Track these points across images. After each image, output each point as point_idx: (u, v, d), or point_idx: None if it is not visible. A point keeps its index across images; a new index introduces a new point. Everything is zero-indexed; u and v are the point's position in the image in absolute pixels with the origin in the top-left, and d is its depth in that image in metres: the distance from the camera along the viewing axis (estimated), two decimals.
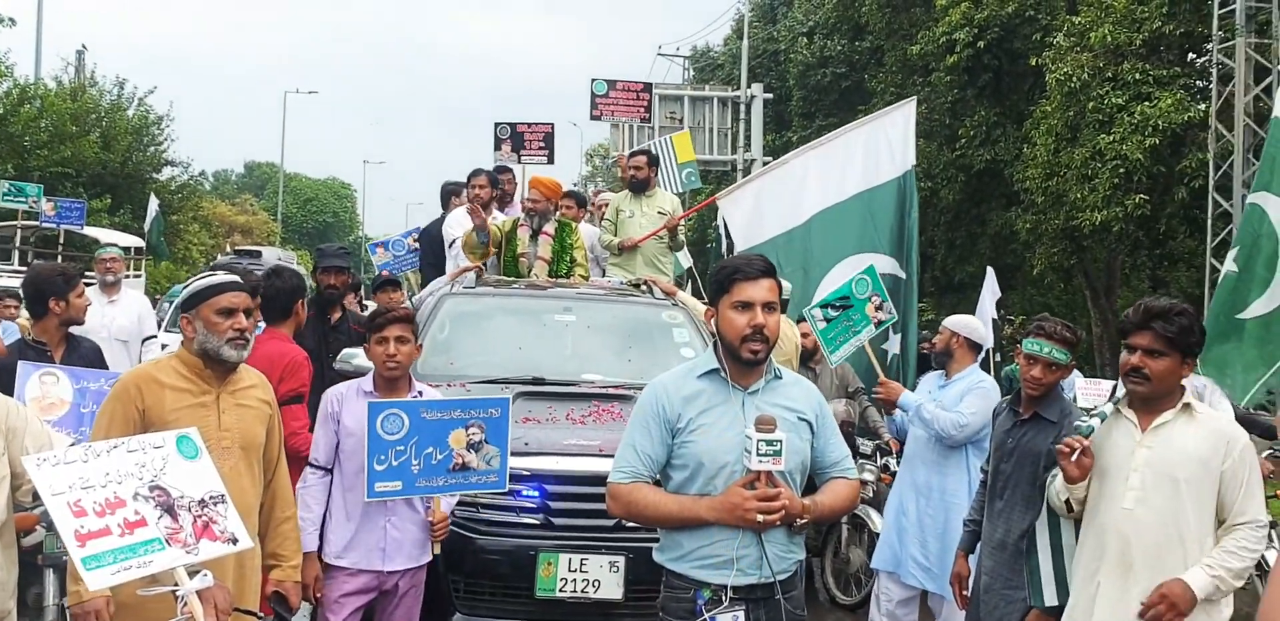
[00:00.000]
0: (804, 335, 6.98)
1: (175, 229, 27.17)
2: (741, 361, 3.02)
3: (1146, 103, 14.94)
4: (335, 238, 68.05)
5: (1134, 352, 3.38)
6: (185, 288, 3.53)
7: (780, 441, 2.86)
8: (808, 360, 7.15)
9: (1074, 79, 15.85)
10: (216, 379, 3.44)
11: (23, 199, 15.21)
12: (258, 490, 3.57)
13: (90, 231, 17.76)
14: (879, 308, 5.87)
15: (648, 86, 10.22)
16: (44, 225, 15.99)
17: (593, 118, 10.14)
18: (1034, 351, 4.13)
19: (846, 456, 3.21)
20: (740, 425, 2.97)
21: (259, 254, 28.04)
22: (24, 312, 8.05)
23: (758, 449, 2.85)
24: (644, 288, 7.08)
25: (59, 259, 16.76)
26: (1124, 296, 22.05)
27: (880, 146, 7.85)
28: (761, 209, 8.19)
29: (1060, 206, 17.35)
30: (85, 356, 5.11)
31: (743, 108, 23.98)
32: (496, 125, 8.70)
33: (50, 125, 23.83)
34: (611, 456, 4.56)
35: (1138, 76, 15.32)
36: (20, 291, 6.90)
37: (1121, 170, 15.03)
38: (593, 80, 9.99)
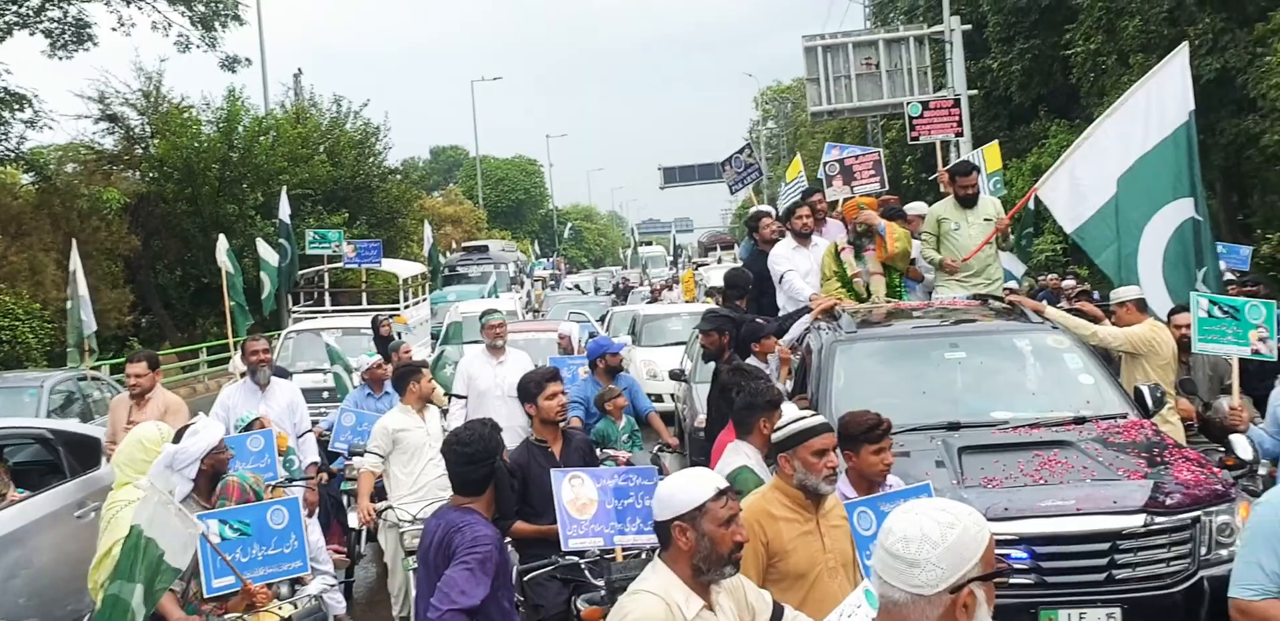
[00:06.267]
0: (1184, 326, 7.08)
1: (405, 233, 28.68)
2: None
3: None
4: (528, 213, 70.78)
5: None
6: (780, 430, 4.00)
7: None
8: (1183, 353, 7.19)
9: None
10: (815, 508, 3.93)
11: (326, 244, 16.62)
12: None
13: (386, 264, 19.01)
14: (1262, 340, 5.95)
15: (956, 102, 10.37)
16: (347, 266, 17.38)
17: (911, 140, 10.32)
18: None
19: None
20: None
21: (485, 248, 29.41)
22: (365, 358, 8.87)
23: None
24: (993, 302, 7.32)
25: (364, 295, 18.13)
26: None
27: (1166, 98, 7.97)
28: (1078, 187, 8.30)
29: None
30: (579, 448, 5.73)
31: (947, 45, 23.34)
32: (825, 163, 9.04)
33: (285, 151, 25.49)
34: (1088, 514, 4.98)
35: None
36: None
37: None
38: (907, 103, 10.26)
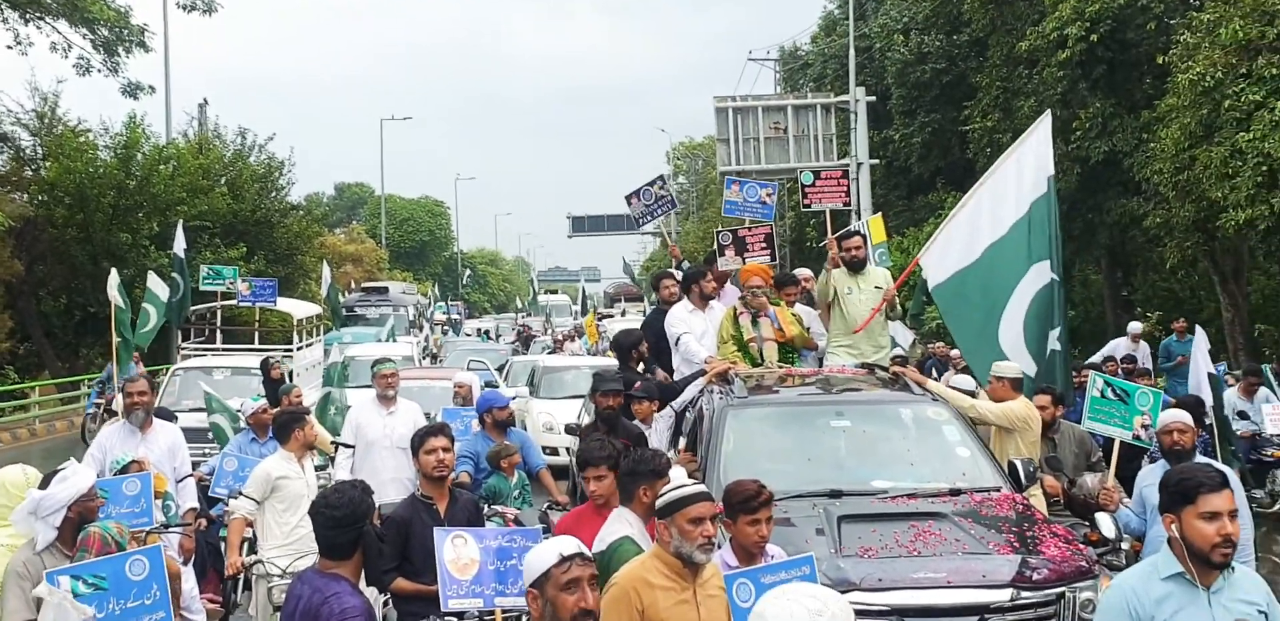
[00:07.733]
0: (1042, 406, 7.34)
1: (304, 270, 28.22)
2: (1212, 564, 3.38)
3: None
4: (432, 255, 70.28)
5: None
6: (661, 496, 4.03)
7: None
8: (1046, 430, 7.44)
9: (1207, 77, 15.80)
10: (693, 576, 3.96)
11: (220, 281, 16.24)
12: None
13: (282, 303, 18.64)
14: (1144, 426, 6.21)
15: (845, 173, 10.72)
16: (240, 304, 16.99)
17: (804, 207, 10.56)
18: None
19: None
20: None
21: (385, 290, 29.11)
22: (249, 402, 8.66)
23: None
24: (879, 371, 7.54)
25: (255, 335, 17.72)
26: (1254, 280, 21.86)
27: (1030, 164, 8.25)
28: (947, 250, 8.57)
29: (1187, 198, 17.31)
30: (465, 507, 5.66)
31: (852, 115, 24.08)
32: (718, 232, 9.26)
33: (185, 182, 24.98)
34: (958, 587, 5.11)
35: (1275, 71, 15.22)
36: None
37: (1265, 168, 15.00)
38: (799, 171, 10.53)
